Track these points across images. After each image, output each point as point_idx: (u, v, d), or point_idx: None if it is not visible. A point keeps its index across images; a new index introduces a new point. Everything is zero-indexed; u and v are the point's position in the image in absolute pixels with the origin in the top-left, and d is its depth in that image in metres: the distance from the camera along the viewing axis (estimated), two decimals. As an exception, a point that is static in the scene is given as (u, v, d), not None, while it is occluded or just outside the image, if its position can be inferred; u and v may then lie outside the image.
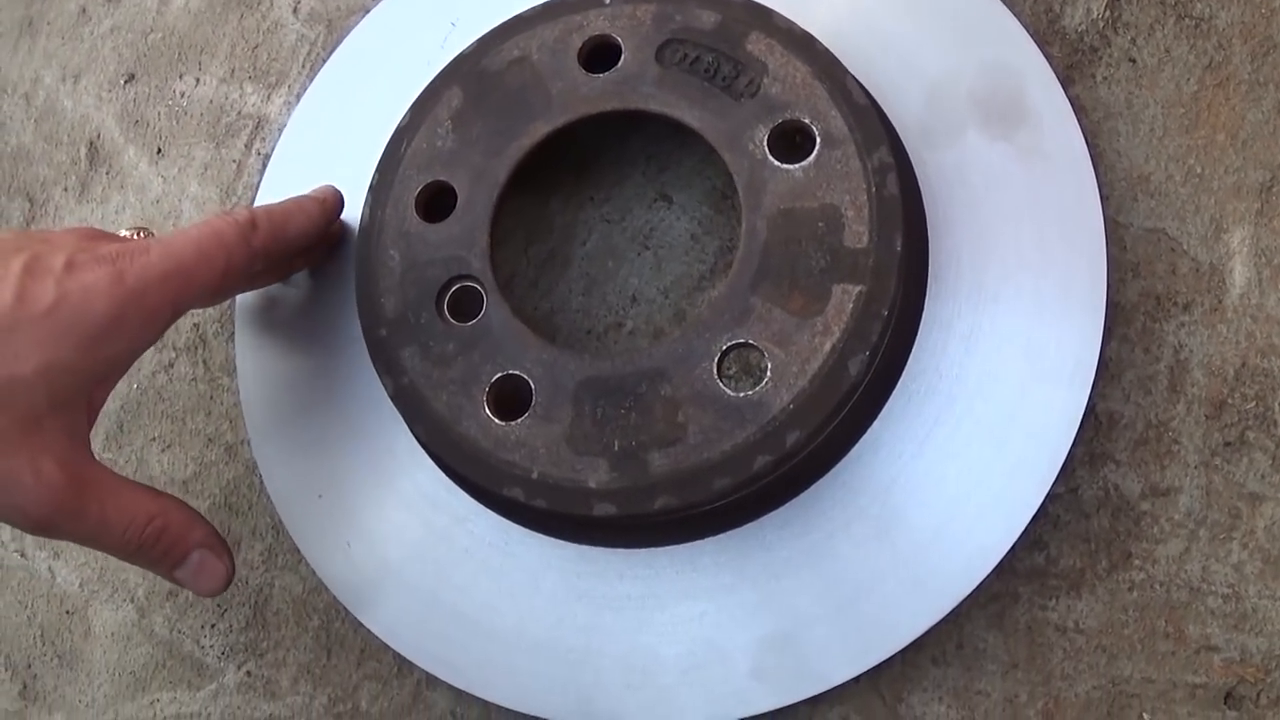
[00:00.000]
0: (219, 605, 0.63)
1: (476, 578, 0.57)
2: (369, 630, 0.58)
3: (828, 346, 0.50)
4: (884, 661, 0.53)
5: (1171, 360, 0.53)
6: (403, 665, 0.59)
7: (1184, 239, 0.54)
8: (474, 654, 0.56)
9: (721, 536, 0.54)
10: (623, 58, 0.55)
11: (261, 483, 0.62)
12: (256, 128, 0.69)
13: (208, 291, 0.54)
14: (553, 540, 0.56)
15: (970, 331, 0.53)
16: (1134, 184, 0.55)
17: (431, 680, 0.58)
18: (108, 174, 0.71)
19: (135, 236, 0.57)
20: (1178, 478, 0.52)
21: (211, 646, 0.62)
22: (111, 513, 0.50)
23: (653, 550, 0.55)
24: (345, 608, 0.59)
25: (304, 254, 0.61)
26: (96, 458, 0.64)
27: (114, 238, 0.53)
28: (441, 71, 0.58)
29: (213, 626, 0.63)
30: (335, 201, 0.60)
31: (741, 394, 0.50)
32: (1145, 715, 0.51)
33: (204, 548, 0.54)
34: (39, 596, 0.66)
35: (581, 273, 0.62)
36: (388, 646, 0.58)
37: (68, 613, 0.66)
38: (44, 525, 0.49)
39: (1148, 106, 0.56)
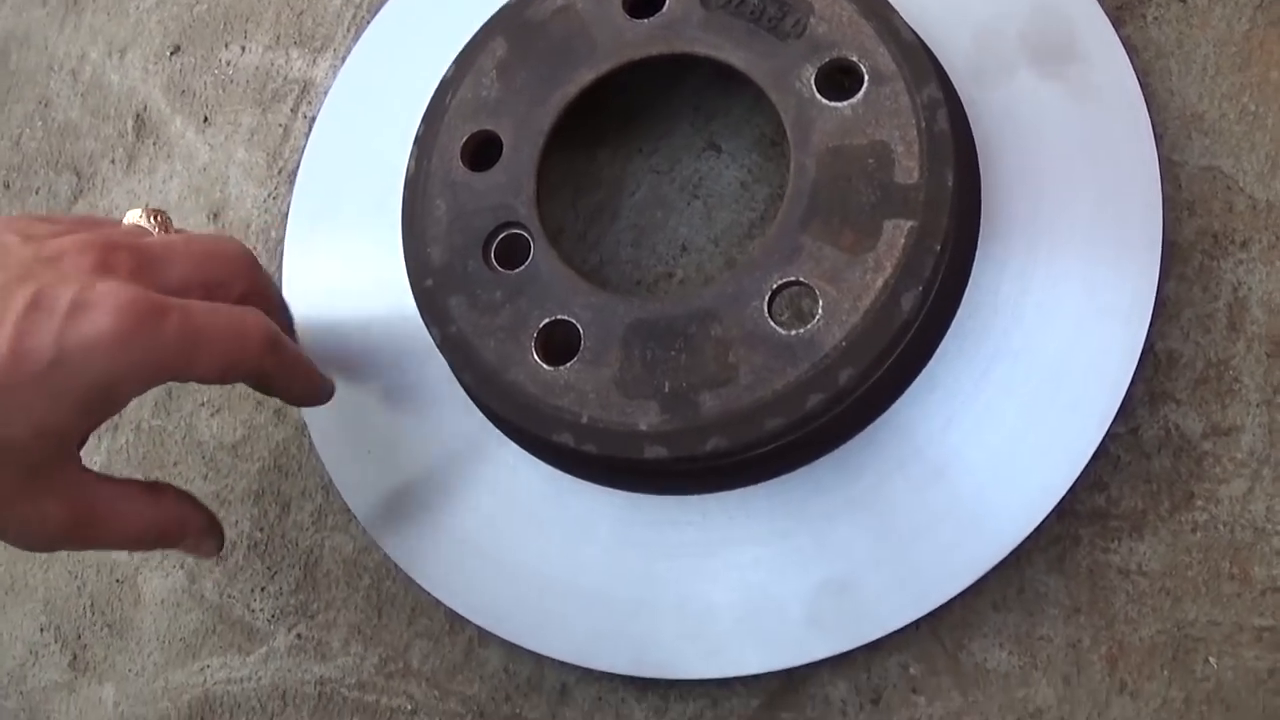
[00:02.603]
0: (269, 568, 0.62)
1: (527, 530, 0.56)
2: (420, 587, 0.58)
3: (880, 282, 0.49)
4: (943, 607, 0.51)
5: (1230, 298, 0.52)
6: (454, 622, 0.58)
7: (1240, 176, 0.53)
8: (526, 607, 0.56)
9: (775, 481, 0.53)
10: (667, 2, 0.55)
11: (311, 443, 0.62)
12: (303, 92, 0.69)
13: (205, 379, 0.50)
14: (603, 489, 0.55)
15: (1025, 269, 0.52)
16: (1187, 122, 0.54)
17: (484, 637, 0.58)
18: (155, 145, 0.72)
19: (151, 222, 0.55)
20: (1239, 416, 0.51)
21: (262, 610, 0.62)
22: (115, 527, 0.51)
23: (704, 496, 0.54)
24: (396, 565, 0.59)
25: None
26: (145, 426, 0.64)
27: (133, 249, 0.49)
28: (485, 24, 0.58)
29: (263, 590, 0.62)
30: (329, 393, 0.57)
31: (793, 332, 0.50)
32: (1211, 659, 0.50)
33: (197, 535, 0.54)
34: (88, 566, 0.66)
35: (630, 224, 0.61)
36: (439, 603, 0.58)
37: (118, 581, 0.65)
38: (50, 549, 0.51)
39: (1199, 45, 0.55)
